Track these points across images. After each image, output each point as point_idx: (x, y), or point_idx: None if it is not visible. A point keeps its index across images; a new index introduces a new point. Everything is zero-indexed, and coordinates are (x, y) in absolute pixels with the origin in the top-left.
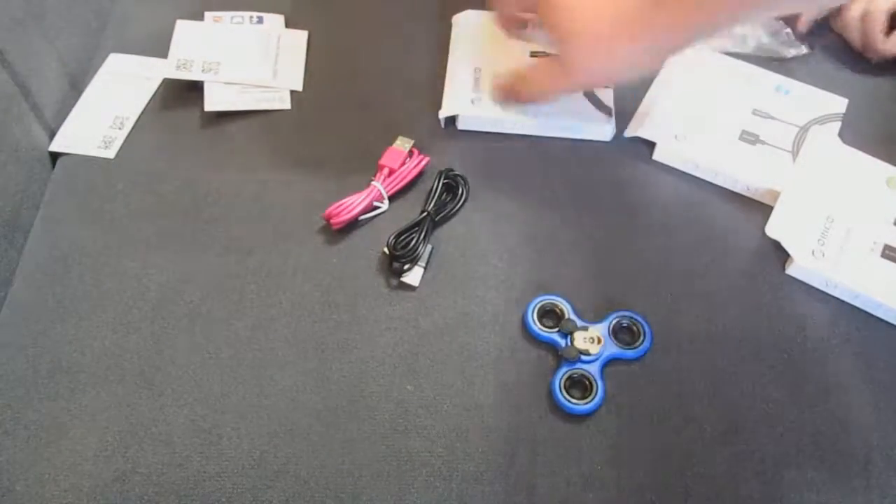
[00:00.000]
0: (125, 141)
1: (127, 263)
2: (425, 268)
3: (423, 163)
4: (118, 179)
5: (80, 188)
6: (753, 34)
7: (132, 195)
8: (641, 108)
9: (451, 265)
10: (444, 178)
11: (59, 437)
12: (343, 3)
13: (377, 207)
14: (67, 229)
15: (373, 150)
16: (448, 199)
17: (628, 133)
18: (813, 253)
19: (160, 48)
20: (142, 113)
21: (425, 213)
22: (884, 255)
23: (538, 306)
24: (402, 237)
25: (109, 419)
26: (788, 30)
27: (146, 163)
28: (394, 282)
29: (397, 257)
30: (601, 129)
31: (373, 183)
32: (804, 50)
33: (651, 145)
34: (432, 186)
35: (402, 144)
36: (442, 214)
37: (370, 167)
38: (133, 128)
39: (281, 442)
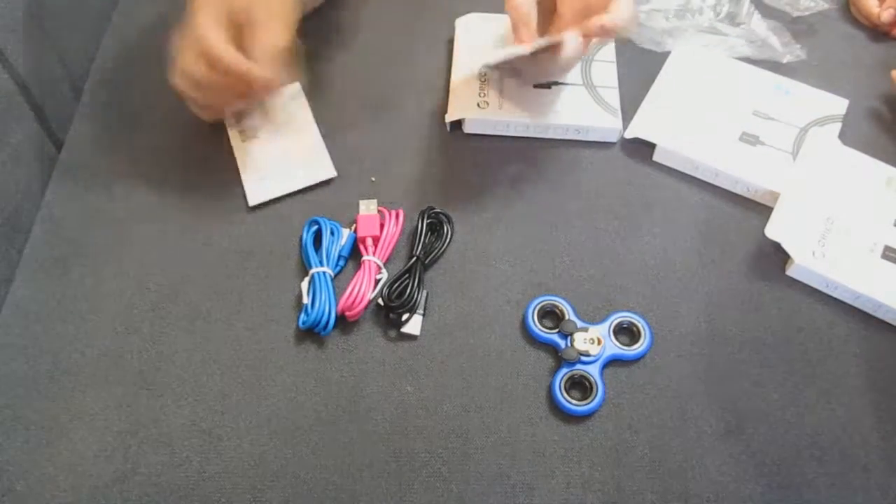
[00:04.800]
0: (125, 142)
1: (127, 263)
2: (423, 314)
3: (402, 217)
4: (118, 180)
5: (80, 188)
6: (749, 38)
7: (132, 195)
8: (641, 109)
9: (451, 266)
10: (427, 219)
11: (59, 437)
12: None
13: (380, 279)
14: (67, 229)
15: (375, 151)
16: (434, 238)
17: (629, 134)
18: (813, 254)
19: (160, 48)
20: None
21: (415, 258)
22: (884, 257)
23: (538, 307)
24: (396, 286)
25: (109, 419)
26: (788, 34)
27: (146, 164)
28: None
29: (393, 308)
30: (608, 131)
31: (365, 259)
32: (801, 55)
33: (651, 146)
34: (416, 228)
35: (368, 208)
36: (431, 256)
37: (372, 167)
38: (133, 128)
39: (281, 442)
